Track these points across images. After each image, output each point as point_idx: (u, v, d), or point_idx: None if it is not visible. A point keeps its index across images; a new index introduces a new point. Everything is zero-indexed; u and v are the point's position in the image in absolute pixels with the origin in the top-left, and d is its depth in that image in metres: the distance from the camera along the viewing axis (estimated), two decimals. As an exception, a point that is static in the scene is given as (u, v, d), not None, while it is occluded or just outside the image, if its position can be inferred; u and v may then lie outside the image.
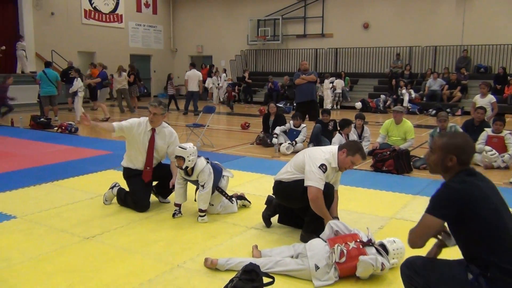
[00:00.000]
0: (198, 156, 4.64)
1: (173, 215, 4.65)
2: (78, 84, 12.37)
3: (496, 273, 2.21)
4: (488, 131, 7.52)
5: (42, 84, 12.46)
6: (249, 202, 5.02)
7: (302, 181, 3.89)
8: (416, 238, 2.37)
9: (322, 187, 3.78)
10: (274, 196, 4.39)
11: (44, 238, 4.04)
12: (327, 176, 3.88)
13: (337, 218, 3.99)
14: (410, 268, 2.47)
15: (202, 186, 4.54)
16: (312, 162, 3.87)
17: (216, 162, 4.93)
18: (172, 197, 5.13)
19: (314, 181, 3.78)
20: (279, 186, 4.16)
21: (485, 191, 2.30)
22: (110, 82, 14.44)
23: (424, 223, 2.34)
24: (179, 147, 4.51)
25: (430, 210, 2.32)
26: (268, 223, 4.38)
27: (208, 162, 4.67)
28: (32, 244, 3.91)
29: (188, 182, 4.73)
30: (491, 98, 9.30)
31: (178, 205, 4.69)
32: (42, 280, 3.25)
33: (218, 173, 4.75)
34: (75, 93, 12.47)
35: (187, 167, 4.49)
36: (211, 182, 4.57)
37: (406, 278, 2.50)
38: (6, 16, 17.63)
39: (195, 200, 4.74)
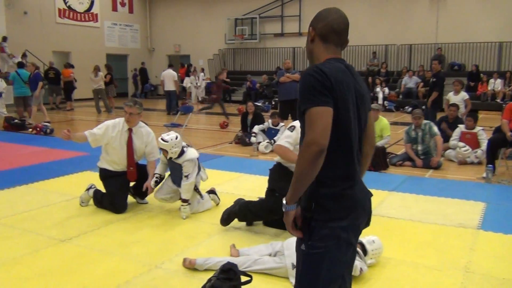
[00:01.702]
0: (189, 146, 4.73)
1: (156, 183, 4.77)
2: (1, 85, 11.66)
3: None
4: (461, 128, 7.68)
5: (15, 85, 12.20)
6: (219, 199, 5.04)
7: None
8: (316, 139, 1.72)
9: (286, 144, 3.87)
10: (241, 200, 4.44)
11: (18, 242, 3.97)
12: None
13: None
14: None
15: (186, 176, 4.56)
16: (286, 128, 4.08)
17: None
18: (149, 198, 5.10)
19: (280, 140, 3.97)
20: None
21: (349, 81, 1.87)
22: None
23: (315, 118, 1.74)
24: (161, 139, 4.54)
25: (310, 104, 1.75)
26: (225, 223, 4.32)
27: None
28: (7, 247, 3.84)
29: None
30: (464, 95, 9.49)
31: (159, 174, 4.79)
32: (17, 284, 3.20)
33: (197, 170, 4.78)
34: None
35: (171, 157, 4.57)
36: (195, 174, 4.61)
37: None
38: (-23, 15, 17.20)
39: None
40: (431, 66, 9.89)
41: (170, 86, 14.93)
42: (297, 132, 3.90)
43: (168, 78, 14.90)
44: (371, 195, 2.07)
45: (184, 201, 4.58)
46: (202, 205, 4.82)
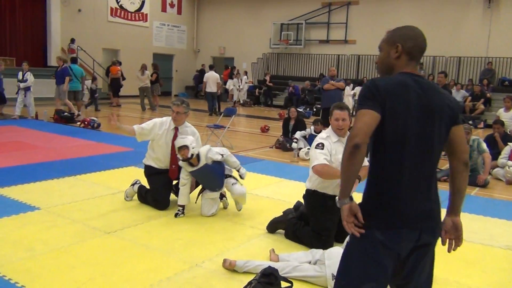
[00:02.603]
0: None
1: (176, 215, 4.68)
2: (31, 79, 11.77)
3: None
4: (511, 146, 7.41)
5: None
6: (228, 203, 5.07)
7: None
8: (352, 137, 1.89)
9: (323, 161, 3.81)
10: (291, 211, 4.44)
11: (66, 231, 4.13)
12: (331, 151, 3.90)
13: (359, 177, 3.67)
14: None
15: (222, 155, 4.66)
16: (312, 148, 4.03)
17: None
18: (192, 197, 5.19)
19: (315, 159, 3.88)
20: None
21: (411, 96, 1.94)
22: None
23: (358, 119, 1.91)
24: (180, 138, 4.60)
25: (360, 107, 1.94)
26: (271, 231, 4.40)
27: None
28: (55, 235, 4.00)
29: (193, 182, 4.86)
30: (515, 112, 9.15)
31: (182, 206, 4.73)
32: (64, 271, 3.33)
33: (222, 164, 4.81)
34: (27, 88, 11.77)
35: (192, 154, 4.51)
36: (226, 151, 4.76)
37: None
38: (35, 11, 18.02)
39: (195, 202, 4.87)
40: (438, 80, 9.40)
41: (213, 87, 15.16)
42: (327, 148, 3.90)
43: (212, 80, 15.15)
44: (432, 216, 2.04)
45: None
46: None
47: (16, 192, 5.19)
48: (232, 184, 4.76)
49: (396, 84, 1.96)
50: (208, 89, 15.24)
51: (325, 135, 4.03)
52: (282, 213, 4.42)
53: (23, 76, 11.75)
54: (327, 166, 3.80)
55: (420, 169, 1.96)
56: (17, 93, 11.85)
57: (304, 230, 4.08)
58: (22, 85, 11.70)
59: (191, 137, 4.63)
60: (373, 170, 1.99)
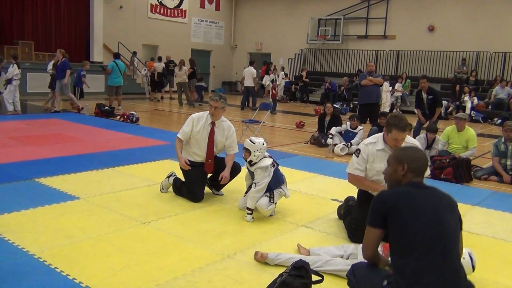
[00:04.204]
0: (269, 157, 4.62)
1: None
2: (13, 71, 11.04)
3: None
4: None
5: (112, 75, 12.97)
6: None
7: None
8: (363, 251, 2.48)
9: (354, 172, 3.98)
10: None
11: (104, 220, 4.25)
12: (368, 158, 3.93)
13: None
14: (351, 272, 2.61)
15: (255, 184, 4.46)
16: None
17: (283, 174, 4.76)
18: (225, 190, 5.24)
19: (349, 166, 4.08)
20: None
21: (418, 201, 2.30)
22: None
23: (365, 235, 2.44)
24: (249, 140, 4.57)
25: (367, 222, 2.42)
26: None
27: (273, 166, 4.56)
28: (93, 224, 4.13)
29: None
30: None
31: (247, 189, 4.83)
32: (101, 258, 3.43)
33: (279, 180, 4.62)
34: (9, 81, 11.08)
35: (251, 160, 4.54)
36: (265, 183, 4.45)
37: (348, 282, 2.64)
38: (78, 9, 18.61)
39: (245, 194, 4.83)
40: (420, 85, 8.77)
41: (249, 82, 15.39)
42: (363, 155, 3.94)
43: (248, 74, 15.41)
44: None
45: (248, 209, 4.45)
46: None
47: (58, 182, 5.38)
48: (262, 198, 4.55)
49: (403, 193, 2.36)
50: (245, 84, 15.60)
51: (373, 140, 3.97)
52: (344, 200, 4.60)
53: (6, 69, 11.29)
54: (355, 178, 4.00)
55: (443, 261, 2.17)
56: (4, 85, 11.31)
57: (349, 217, 4.18)
58: (4, 77, 11.16)
59: (260, 144, 4.52)
60: (396, 268, 2.27)
